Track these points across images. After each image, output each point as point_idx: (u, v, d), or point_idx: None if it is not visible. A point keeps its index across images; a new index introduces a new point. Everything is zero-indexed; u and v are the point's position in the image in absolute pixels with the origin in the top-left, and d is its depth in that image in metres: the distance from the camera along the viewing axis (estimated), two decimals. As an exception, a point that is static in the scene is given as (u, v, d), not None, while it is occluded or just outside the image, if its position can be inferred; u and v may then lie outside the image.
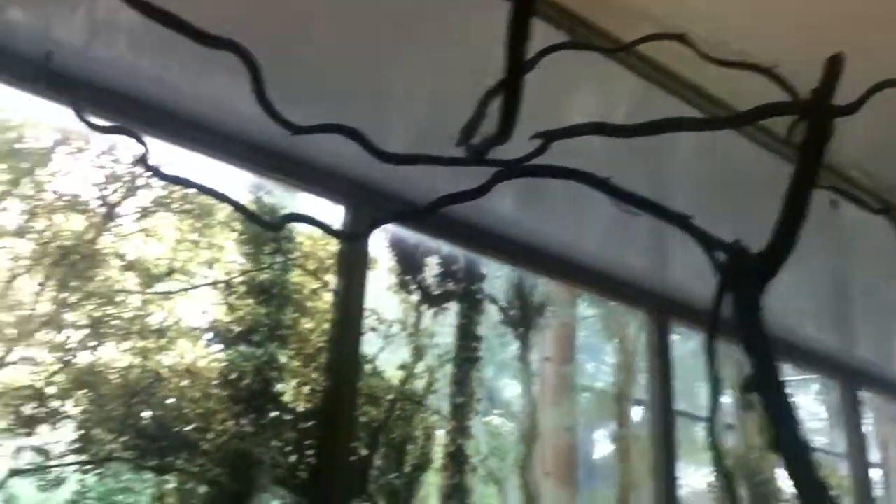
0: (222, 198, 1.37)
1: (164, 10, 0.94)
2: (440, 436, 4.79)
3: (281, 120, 1.06)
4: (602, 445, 6.56)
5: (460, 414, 5.08)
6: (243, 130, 2.81)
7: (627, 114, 2.41)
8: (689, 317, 4.34)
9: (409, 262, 4.91)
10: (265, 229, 3.54)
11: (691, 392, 6.16)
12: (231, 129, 2.80)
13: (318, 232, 3.70)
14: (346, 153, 3.22)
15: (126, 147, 3.32)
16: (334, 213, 3.63)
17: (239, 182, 3.57)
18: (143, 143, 1.27)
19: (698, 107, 2.25)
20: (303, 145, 2.93)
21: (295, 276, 3.65)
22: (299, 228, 3.71)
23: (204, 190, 1.27)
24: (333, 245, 3.70)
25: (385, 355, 4.64)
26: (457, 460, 4.89)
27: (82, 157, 2.95)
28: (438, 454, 4.66)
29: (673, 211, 1.09)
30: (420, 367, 4.83)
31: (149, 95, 2.78)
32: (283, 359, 3.69)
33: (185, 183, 1.31)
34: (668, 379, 3.97)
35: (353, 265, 3.14)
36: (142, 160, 1.26)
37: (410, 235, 4.36)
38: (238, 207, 1.70)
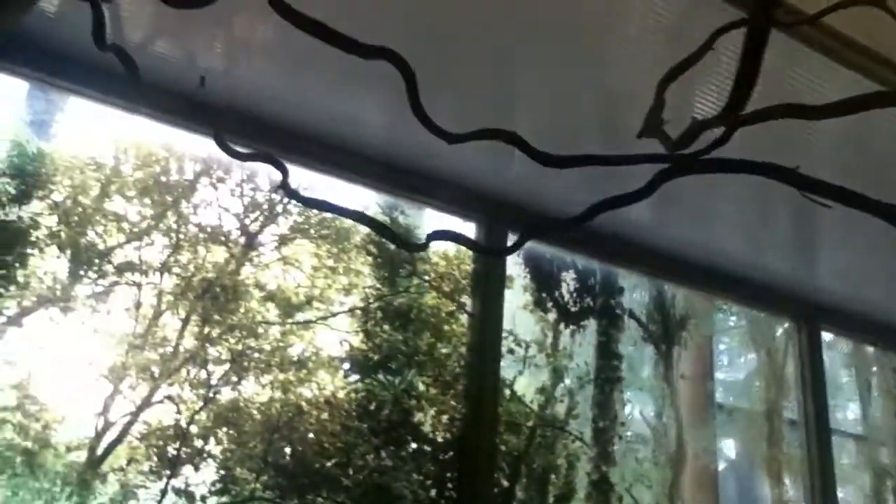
0: (364, 220, 1.31)
1: (316, 20, 0.92)
2: (583, 463, 4.51)
3: (437, 130, 1.02)
4: (749, 468, 6.04)
5: (603, 439, 4.78)
6: (378, 149, 2.77)
7: (811, 93, 2.11)
8: (840, 323, 3.93)
9: (545, 279, 4.66)
10: (408, 251, 3.41)
11: (842, 406, 5.58)
12: (366, 149, 2.78)
13: (453, 251, 3.52)
14: (479, 167, 3.05)
15: (265, 174, 3.27)
16: (466, 231, 3.44)
17: (371, 203, 3.44)
18: (282, 167, 1.26)
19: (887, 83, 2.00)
20: (436, 161, 2.86)
21: (430, 299, 3.49)
22: (434, 248, 3.55)
23: (345, 213, 1.25)
24: (468, 264, 3.51)
25: (523, 379, 4.41)
26: (601, 489, 4.60)
27: (223, 186, 2.90)
28: (582, 483, 4.38)
29: (876, 201, 0.85)
30: (559, 390, 4.56)
31: (285, 118, 2.76)
32: (421, 386, 3.54)
33: (326, 207, 1.27)
34: (821, 393, 3.60)
35: (489, 285, 2.98)
36: (282, 186, 1.25)
37: (546, 250, 4.12)
38: (380, 229, 1.65)
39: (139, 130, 2.95)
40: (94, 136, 2.84)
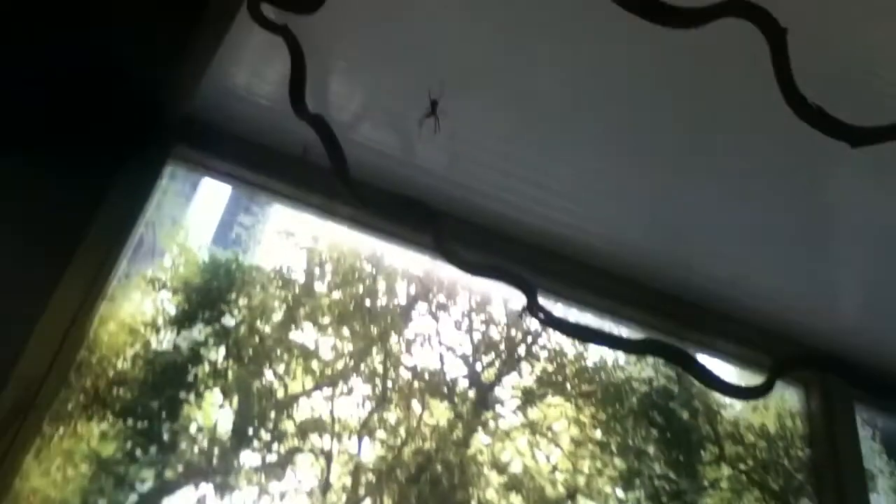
0: (665, 352, 0.96)
1: None
2: None
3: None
4: None
5: None
6: (648, 269, 2.28)
7: None
8: None
9: None
10: (741, 398, 2.28)
11: None
12: (634, 269, 2.30)
13: (775, 425, 2.36)
14: (794, 303, 2.46)
15: (501, 301, 2.35)
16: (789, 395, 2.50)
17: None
18: (527, 287, 1.05)
19: None
20: (733, 291, 2.34)
21: (752, 500, 2.26)
22: (746, 417, 2.42)
23: (625, 346, 1.25)
24: (800, 447, 2.32)
25: None
26: None
27: (446, 316, 2.00)
28: None
29: None
30: None
31: (527, 226, 2.26)
32: None
33: (595, 337, 1.14)
34: None
35: (841, 483, 1.94)
36: (528, 309, 1.04)
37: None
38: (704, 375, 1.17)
39: (339, 239, 2.17)
40: (282, 244, 2.07)
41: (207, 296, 1.92)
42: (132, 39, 1.94)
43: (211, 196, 2.05)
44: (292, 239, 2.13)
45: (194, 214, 2.02)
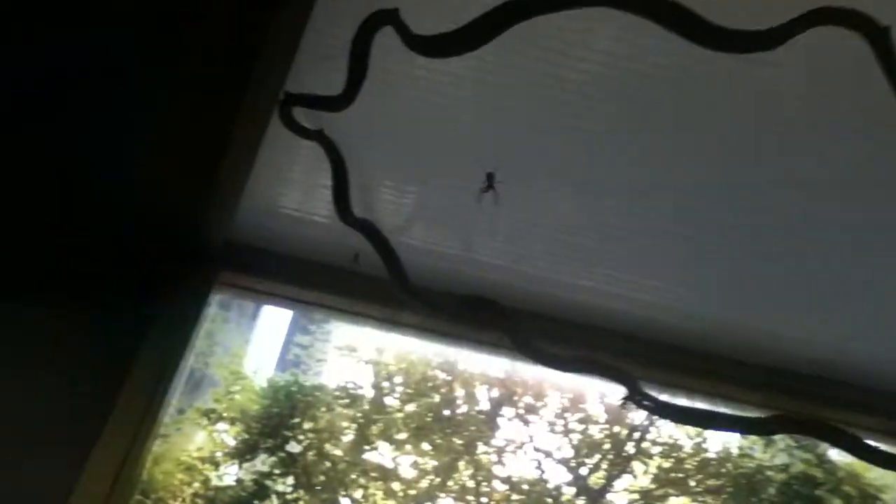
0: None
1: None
2: None
3: None
4: None
5: None
6: (743, 345, 1.90)
7: None
8: None
9: None
10: None
11: None
12: (727, 349, 1.88)
13: None
14: None
15: (597, 394, 2.08)
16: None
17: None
18: (625, 377, 0.99)
19: None
20: (827, 355, 1.90)
21: None
22: None
23: (752, 428, 0.99)
24: None
25: None
26: None
27: (536, 420, 1.75)
28: None
29: None
30: None
31: (617, 314, 1.96)
32: None
33: (719, 422, 1.00)
34: None
35: None
36: (630, 398, 0.96)
37: None
38: (858, 447, 0.92)
39: (406, 349, 1.98)
40: (345, 360, 1.90)
41: (268, 423, 1.72)
42: (162, 170, 1.91)
43: (264, 319, 1.91)
44: (355, 354, 1.95)
45: (247, 339, 1.86)
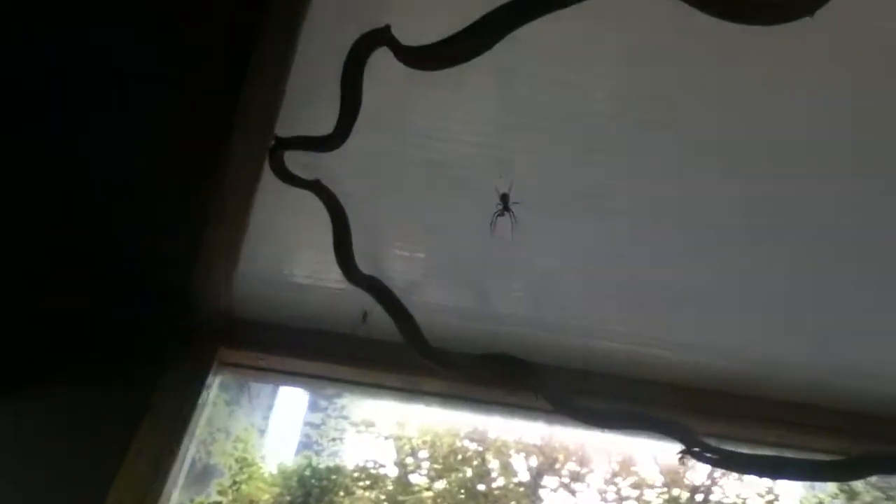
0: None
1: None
2: None
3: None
4: None
5: None
6: (816, 389, 1.81)
7: None
8: None
9: None
10: None
11: None
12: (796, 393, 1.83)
13: None
14: None
15: (649, 457, 1.86)
16: None
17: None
18: (680, 428, 0.91)
19: None
20: None
21: None
22: None
23: (833, 473, 0.91)
24: None
25: None
26: None
27: (583, 488, 1.55)
28: None
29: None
30: None
31: (662, 363, 1.84)
32: None
33: (794, 469, 0.91)
34: None
35: None
36: (692, 453, 0.92)
37: None
38: None
39: (430, 420, 1.79)
40: (363, 437, 1.70)
41: (280, 513, 1.51)
42: (148, 240, 1.78)
43: (269, 398, 1.73)
44: (374, 430, 1.76)
45: (252, 422, 1.68)
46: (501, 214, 1.52)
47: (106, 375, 1.68)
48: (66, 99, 1.47)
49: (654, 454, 1.82)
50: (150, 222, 1.74)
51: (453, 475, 1.67)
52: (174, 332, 1.82)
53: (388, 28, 1.23)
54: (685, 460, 1.57)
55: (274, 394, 1.84)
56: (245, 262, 1.90)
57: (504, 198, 1.53)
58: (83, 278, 1.74)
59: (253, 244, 1.83)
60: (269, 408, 1.81)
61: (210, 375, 1.84)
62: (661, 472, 1.82)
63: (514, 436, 1.80)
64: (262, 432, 1.76)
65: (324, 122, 1.41)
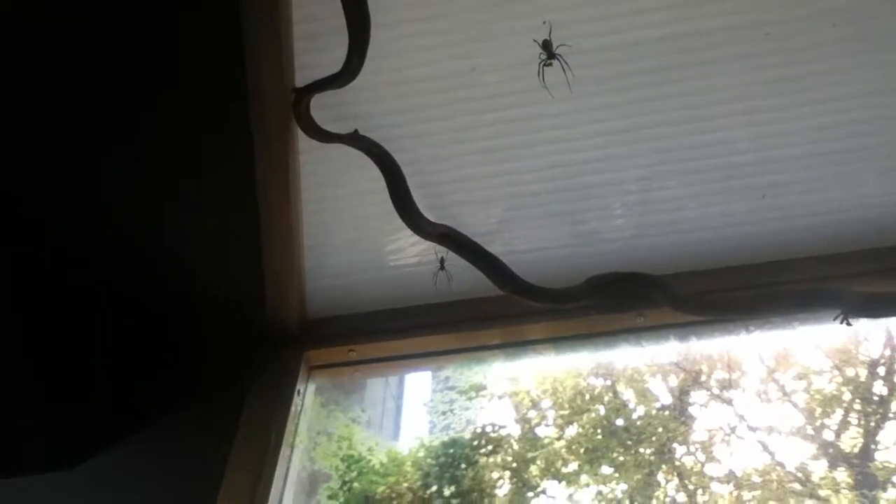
0: None
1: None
2: None
3: None
4: None
5: None
6: None
7: None
8: None
9: None
10: None
11: None
12: None
13: None
14: None
15: (805, 343, 1.63)
16: None
17: None
18: (836, 295, 0.91)
19: None
20: None
21: None
22: None
23: None
24: None
25: None
26: None
27: (738, 393, 1.37)
28: None
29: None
30: None
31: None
32: None
33: None
34: None
35: None
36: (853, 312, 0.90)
37: None
38: None
39: (543, 366, 1.65)
40: (471, 404, 1.58)
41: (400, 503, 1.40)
42: (205, 252, 1.74)
43: (363, 390, 1.63)
44: (485, 392, 1.62)
45: (352, 417, 1.59)
46: (549, 64, 1.36)
47: (195, 399, 1.66)
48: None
49: (814, 341, 1.60)
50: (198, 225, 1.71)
51: (584, 417, 1.51)
52: (256, 346, 1.78)
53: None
54: (847, 323, 1.34)
55: (368, 385, 1.75)
56: (308, 257, 1.83)
57: (546, 45, 1.36)
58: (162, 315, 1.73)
59: (311, 238, 1.77)
60: (365, 399, 1.71)
61: (300, 382, 1.77)
62: (827, 356, 1.60)
63: (642, 361, 1.62)
64: (366, 424, 1.66)
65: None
